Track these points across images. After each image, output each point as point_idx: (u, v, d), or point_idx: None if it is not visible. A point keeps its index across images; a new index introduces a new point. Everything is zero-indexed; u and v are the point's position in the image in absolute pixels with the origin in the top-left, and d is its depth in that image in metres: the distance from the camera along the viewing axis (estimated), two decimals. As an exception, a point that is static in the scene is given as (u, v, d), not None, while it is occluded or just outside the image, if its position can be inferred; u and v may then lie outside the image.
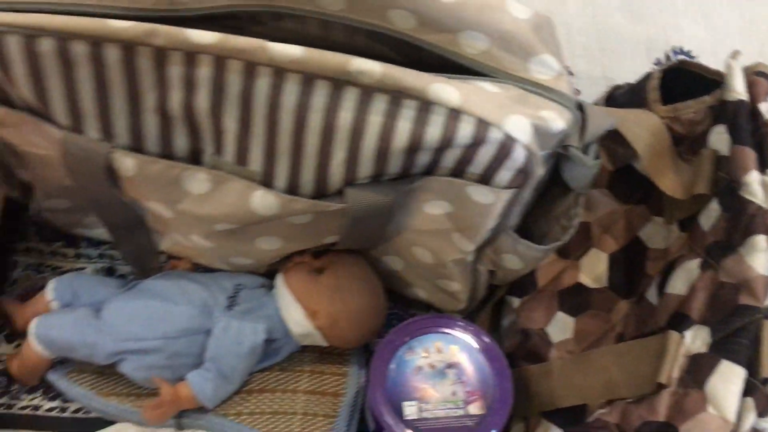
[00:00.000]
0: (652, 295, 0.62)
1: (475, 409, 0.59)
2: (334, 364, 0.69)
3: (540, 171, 0.53)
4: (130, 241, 0.68)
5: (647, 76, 0.67)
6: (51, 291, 0.67)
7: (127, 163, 0.54)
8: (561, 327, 0.67)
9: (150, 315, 0.63)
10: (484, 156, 0.52)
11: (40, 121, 0.53)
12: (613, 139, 0.65)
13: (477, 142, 0.50)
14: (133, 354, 0.63)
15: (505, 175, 0.53)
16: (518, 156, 0.51)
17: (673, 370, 0.53)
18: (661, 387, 0.53)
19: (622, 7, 0.95)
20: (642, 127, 0.63)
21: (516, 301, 0.70)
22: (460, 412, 0.59)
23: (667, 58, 0.92)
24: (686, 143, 0.64)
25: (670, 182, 0.62)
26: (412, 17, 0.53)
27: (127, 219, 0.65)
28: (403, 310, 0.76)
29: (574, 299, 0.68)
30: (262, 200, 0.55)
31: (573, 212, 0.62)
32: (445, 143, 0.51)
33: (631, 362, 0.57)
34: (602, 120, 0.57)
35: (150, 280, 0.67)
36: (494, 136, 0.50)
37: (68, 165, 0.55)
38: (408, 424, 0.58)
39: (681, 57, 0.92)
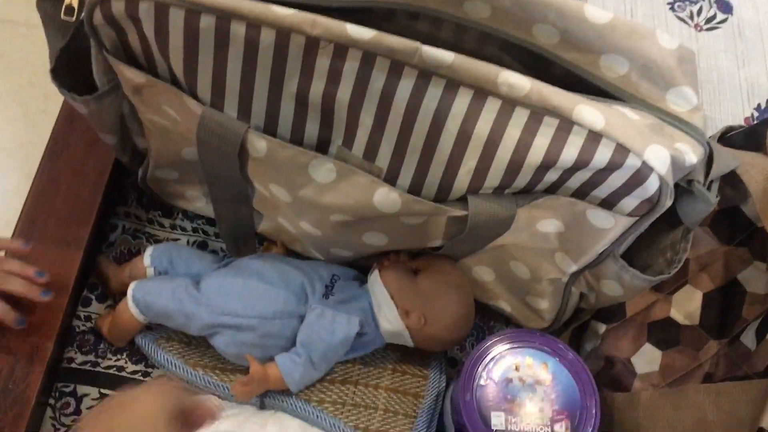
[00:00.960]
0: (748, 339, 0.62)
1: (560, 428, 0.60)
2: (415, 365, 0.69)
3: (668, 203, 0.53)
4: (231, 218, 0.70)
5: (766, 121, 0.67)
6: (148, 257, 0.69)
7: (259, 145, 0.55)
8: (647, 359, 0.67)
9: (248, 293, 0.64)
10: (614, 181, 0.52)
11: (180, 93, 0.55)
12: (723, 179, 0.64)
13: (611, 167, 0.51)
14: (228, 329, 0.64)
15: (630, 202, 0.53)
16: (651, 185, 0.51)
17: (775, 417, 0.53)
18: (760, 432, 0.53)
19: (728, 50, 0.95)
20: (758, 171, 0.63)
21: (602, 327, 0.70)
22: (546, 429, 0.59)
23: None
24: (800, 192, 0.64)
25: (780, 229, 0.62)
26: (558, 34, 0.53)
27: (236, 196, 0.66)
28: (483, 321, 0.77)
29: (664, 333, 0.67)
30: (386, 197, 0.55)
31: (680, 247, 0.61)
32: (580, 164, 0.51)
33: (729, 403, 0.57)
34: (728, 159, 0.57)
35: (248, 259, 0.69)
36: (631, 162, 0.50)
37: (201, 139, 0.56)
38: (494, 435, 0.59)
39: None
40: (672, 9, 0.97)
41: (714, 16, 0.98)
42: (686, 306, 0.68)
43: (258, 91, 0.53)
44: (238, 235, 0.72)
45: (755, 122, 0.80)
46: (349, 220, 0.59)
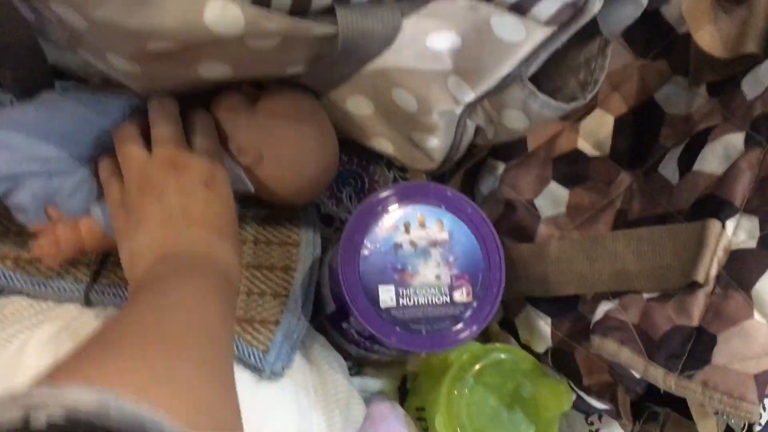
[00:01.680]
0: (668, 169, 0.53)
1: (460, 296, 0.50)
2: (281, 230, 0.56)
3: (597, 7, 0.40)
4: (11, 58, 0.51)
5: None
6: None
7: (15, -61, 0.36)
8: (553, 200, 0.57)
9: (61, 130, 0.48)
10: (531, -23, 0.38)
11: None
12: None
13: (529, -43, 0.37)
14: (37, 178, 0.47)
15: (549, 6, 0.40)
16: (580, -18, 0.38)
17: (711, 266, 0.45)
18: (693, 285, 0.45)
19: None
20: (686, -38, 0.51)
21: (500, 166, 0.59)
22: (444, 299, 0.49)
23: None
24: (730, -11, 0.53)
25: (709, 36, 0.52)
26: None
27: (9, 26, 0.47)
28: (360, 166, 0.64)
29: (571, 168, 0.58)
30: (222, 13, 0.39)
31: (596, 64, 0.50)
32: (488, -46, 0.37)
33: (653, 252, 0.48)
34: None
35: (48, 94, 0.51)
36: (557, -51, 0.36)
37: None
38: (383, 311, 0.48)
39: None
40: None
41: None
42: (595, 134, 0.58)
43: None
44: (26, 79, 0.53)
45: None
46: (175, 48, 0.42)
